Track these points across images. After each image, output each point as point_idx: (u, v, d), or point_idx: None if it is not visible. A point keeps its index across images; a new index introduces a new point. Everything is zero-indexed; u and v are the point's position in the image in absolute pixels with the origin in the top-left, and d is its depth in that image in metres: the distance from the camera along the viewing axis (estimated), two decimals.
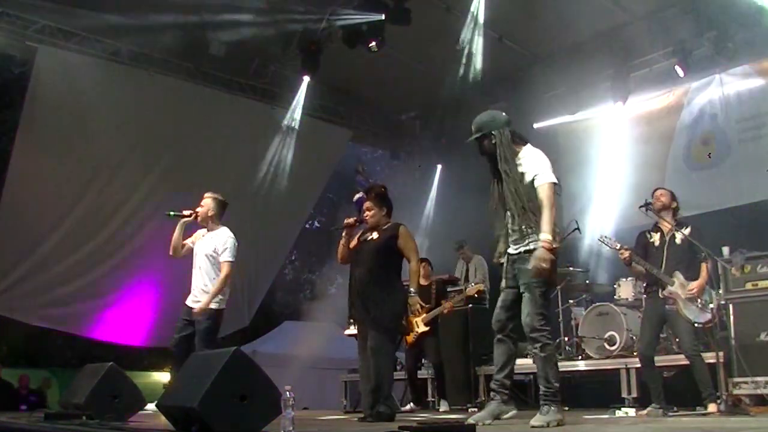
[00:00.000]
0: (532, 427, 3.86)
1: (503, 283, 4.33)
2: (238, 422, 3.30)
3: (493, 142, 4.28)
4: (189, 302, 5.75)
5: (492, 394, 4.25)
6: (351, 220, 5.35)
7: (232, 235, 5.79)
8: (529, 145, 4.33)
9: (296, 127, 10.22)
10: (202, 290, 5.68)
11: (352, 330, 8.19)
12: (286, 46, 9.51)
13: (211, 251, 5.74)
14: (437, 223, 11.42)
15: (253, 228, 10.33)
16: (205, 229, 5.87)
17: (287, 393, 3.36)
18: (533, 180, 4.14)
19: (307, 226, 14.52)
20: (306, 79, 9.78)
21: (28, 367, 12.39)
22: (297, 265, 19.08)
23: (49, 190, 8.84)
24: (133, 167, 9.40)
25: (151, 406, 5.26)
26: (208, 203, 5.82)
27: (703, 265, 5.50)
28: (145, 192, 9.53)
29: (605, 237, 5.72)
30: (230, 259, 5.69)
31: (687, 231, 5.54)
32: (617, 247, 5.54)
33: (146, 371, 14.27)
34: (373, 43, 8.56)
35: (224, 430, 3.24)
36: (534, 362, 4.21)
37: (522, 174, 4.17)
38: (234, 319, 10.66)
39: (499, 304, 4.31)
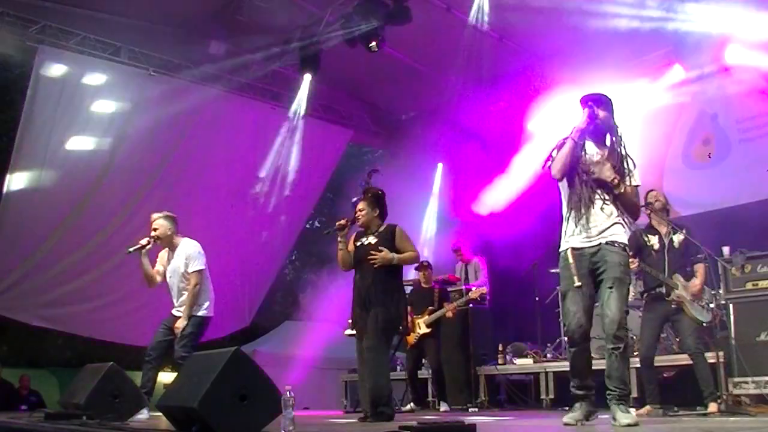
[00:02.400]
0: (628, 425, 3.78)
1: (574, 281, 3.95)
2: (238, 422, 3.30)
3: (613, 123, 4.09)
4: (175, 312, 5.83)
5: (582, 398, 4.14)
6: (343, 221, 5.37)
7: (196, 243, 5.84)
8: None
9: (300, 125, 10.19)
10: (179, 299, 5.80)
11: (352, 330, 8.20)
12: (286, 45, 9.51)
13: (183, 269, 5.78)
14: (438, 223, 11.41)
15: (253, 228, 10.35)
16: (166, 249, 5.91)
17: (287, 393, 3.36)
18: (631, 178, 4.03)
19: (307, 226, 14.50)
20: (308, 77, 9.77)
21: (28, 367, 12.38)
22: (297, 265, 19.06)
23: (49, 191, 8.84)
24: (133, 167, 9.40)
25: (142, 416, 5.31)
26: (162, 224, 5.85)
27: (701, 266, 5.53)
28: (145, 191, 9.53)
29: None
30: (199, 268, 5.74)
31: (681, 235, 5.61)
32: None
33: None
34: (373, 43, 8.56)
35: (224, 430, 3.24)
36: (611, 362, 4.06)
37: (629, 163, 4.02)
38: (234, 319, 10.67)
39: (574, 308, 3.97)
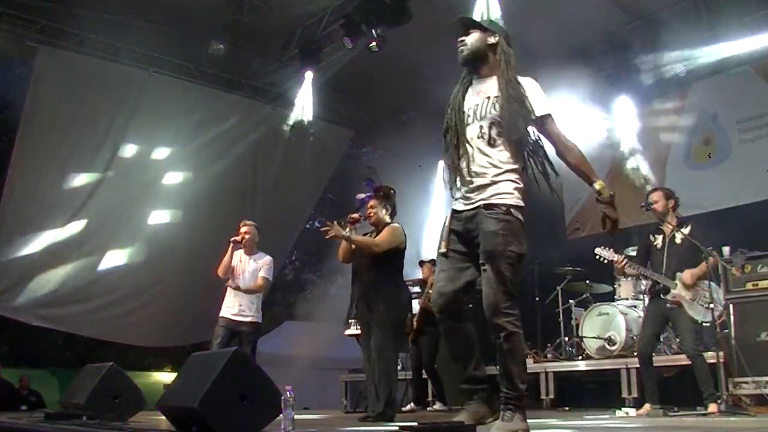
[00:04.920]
0: None
1: (443, 246, 3.32)
2: (238, 422, 3.29)
3: (491, 42, 3.30)
4: (231, 316, 6.32)
5: (468, 395, 3.38)
6: (356, 215, 5.38)
7: (271, 258, 6.47)
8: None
9: (305, 124, 10.15)
10: (249, 306, 6.33)
11: (352, 330, 8.23)
12: (287, 45, 9.52)
13: (255, 273, 6.40)
14: (439, 222, 11.40)
15: None
16: (241, 251, 6.44)
17: (287, 393, 3.36)
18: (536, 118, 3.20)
19: (307, 226, 14.48)
20: (308, 77, 9.74)
21: (28, 367, 12.37)
22: (297, 265, 19.05)
23: (50, 190, 8.84)
24: (132, 167, 9.40)
25: None
26: (251, 230, 6.50)
27: (703, 263, 5.54)
28: (144, 191, 9.54)
29: (601, 250, 5.76)
30: (267, 276, 6.38)
31: (687, 230, 5.56)
32: (614, 259, 5.61)
33: (146, 371, 14.27)
34: (374, 44, 8.56)
35: (224, 430, 3.23)
36: (497, 356, 3.27)
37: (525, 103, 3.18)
38: None
39: (441, 276, 3.31)
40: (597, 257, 5.77)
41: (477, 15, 7.89)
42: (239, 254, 6.47)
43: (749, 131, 8.47)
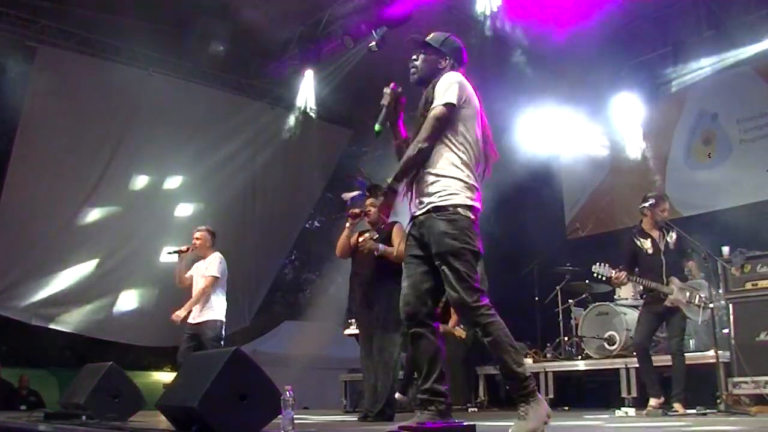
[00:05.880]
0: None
1: (407, 252, 3.35)
2: (238, 422, 3.30)
3: (440, 67, 3.45)
4: (190, 320, 6.24)
5: (424, 405, 3.22)
6: (357, 210, 5.37)
7: (221, 256, 6.35)
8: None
9: (300, 125, 10.14)
10: (201, 308, 6.21)
11: (352, 330, 8.22)
12: (286, 45, 9.51)
13: (204, 273, 6.32)
14: None
15: (253, 228, 10.35)
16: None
17: (287, 393, 3.36)
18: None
19: (307, 226, 14.48)
20: (308, 77, 9.73)
21: (28, 367, 12.36)
22: (297, 265, 19.02)
23: (49, 190, 8.84)
24: (132, 167, 9.40)
25: None
26: (202, 235, 6.43)
27: (692, 264, 5.64)
28: (144, 191, 9.54)
29: (598, 267, 5.79)
30: (213, 275, 6.25)
31: (674, 235, 5.67)
32: (612, 275, 5.66)
33: (146, 371, 14.26)
34: (373, 43, 8.56)
35: (224, 430, 3.24)
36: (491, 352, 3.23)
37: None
38: (234, 319, 10.65)
39: (405, 283, 3.30)
40: (594, 275, 5.83)
41: (479, 10, 7.90)
42: (200, 263, 6.44)
43: (749, 131, 8.47)
